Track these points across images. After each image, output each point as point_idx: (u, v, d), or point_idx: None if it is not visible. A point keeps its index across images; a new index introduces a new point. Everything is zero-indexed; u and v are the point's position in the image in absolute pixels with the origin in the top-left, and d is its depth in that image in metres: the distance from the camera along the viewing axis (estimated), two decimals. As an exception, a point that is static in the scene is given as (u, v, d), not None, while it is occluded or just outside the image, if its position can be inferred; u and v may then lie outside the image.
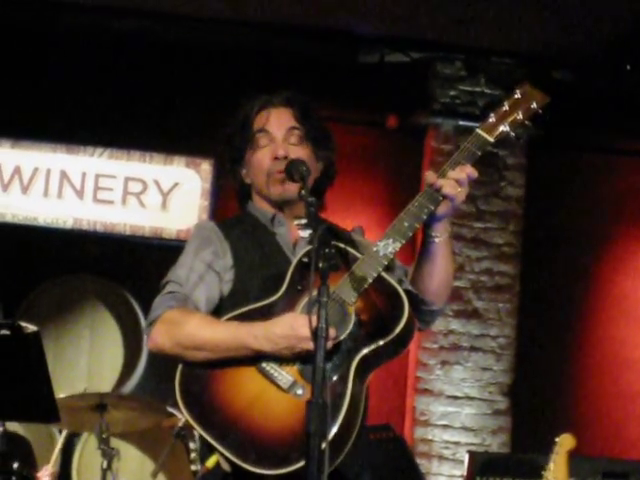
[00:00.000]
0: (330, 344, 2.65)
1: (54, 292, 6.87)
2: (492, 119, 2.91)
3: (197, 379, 2.84)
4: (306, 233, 2.74)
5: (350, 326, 2.75)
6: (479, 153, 2.88)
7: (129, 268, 6.93)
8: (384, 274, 2.82)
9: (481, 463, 5.21)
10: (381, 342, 2.75)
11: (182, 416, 4.86)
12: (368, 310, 2.79)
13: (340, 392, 2.68)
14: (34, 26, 6.68)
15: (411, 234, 2.82)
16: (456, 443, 6.77)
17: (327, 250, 2.63)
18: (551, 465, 4.33)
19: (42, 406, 4.09)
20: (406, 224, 2.83)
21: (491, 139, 2.89)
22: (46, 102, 6.69)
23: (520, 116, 2.92)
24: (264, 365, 2.79)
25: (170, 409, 5.19)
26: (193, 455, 4.98)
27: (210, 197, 6.85)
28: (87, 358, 6.85)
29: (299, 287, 2.85)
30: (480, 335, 6.89)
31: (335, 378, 2.71)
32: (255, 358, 2.79)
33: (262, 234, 3.05)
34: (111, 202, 6.87)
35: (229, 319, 2.88)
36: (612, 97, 6.89)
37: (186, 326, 2.85)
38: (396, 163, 7.16)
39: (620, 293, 7.19)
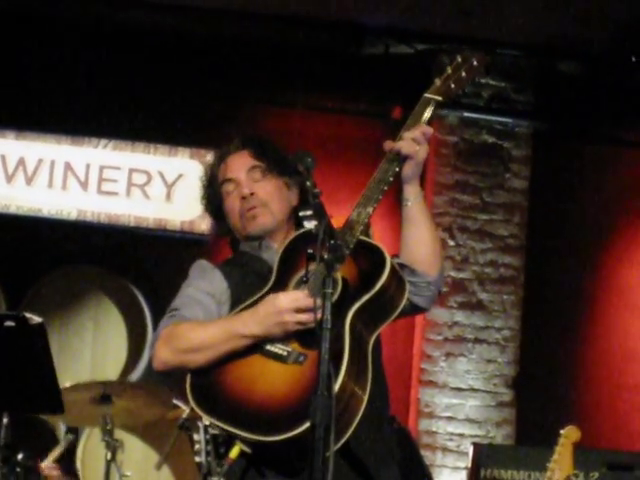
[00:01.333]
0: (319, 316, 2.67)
1: (58, 283, 6.87)
2: (437, 83, 3.09)
3: (205, 381, 2.90)
4: (311, 224, 2.76)
5: (338, 291, 2.80)
6: (430, 114, 3.03)
7: (133, 259, 6.94)
8: (363, 237, 2.91)
9: (485, 455, 5.21)
10: (367, 296, 2.82)
11: (187, 407, 4.88)
12: (353, 272, 2.88)
13: (338, 349, 2.71)
14: (39, 17, 6.67)
15: (381, 197, 2.94)
16: (460, 435, 6.77)
17: (332, 242, 2.66)
18: (556, 457, 4.31)
19: (47, 398, 4.09)
20: (374, 190, 2.94)
21: (439, 98, 3.05)
22: (50, 93, 6.67)
23: (463, 74, 3.10)
24: (262, 346, 2.86)
25: (175, 401, 5.18)
26: (197, 447, 4.97)
27: (214, 188, 6.83)
28: (91, 350, 6.85)
29: (288, 274, 2.95)
30: (484, 327, 6.89)
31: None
32: (253, 346, 2.86)
33: (252, 261, 3.15)
34: (115, 193, 6.87)
35: None
36: (617, 89, 6.88)
37: (181, 333, 2.95)
38: (401, 155, 7.14)
39: (625, 284, 7.18)
